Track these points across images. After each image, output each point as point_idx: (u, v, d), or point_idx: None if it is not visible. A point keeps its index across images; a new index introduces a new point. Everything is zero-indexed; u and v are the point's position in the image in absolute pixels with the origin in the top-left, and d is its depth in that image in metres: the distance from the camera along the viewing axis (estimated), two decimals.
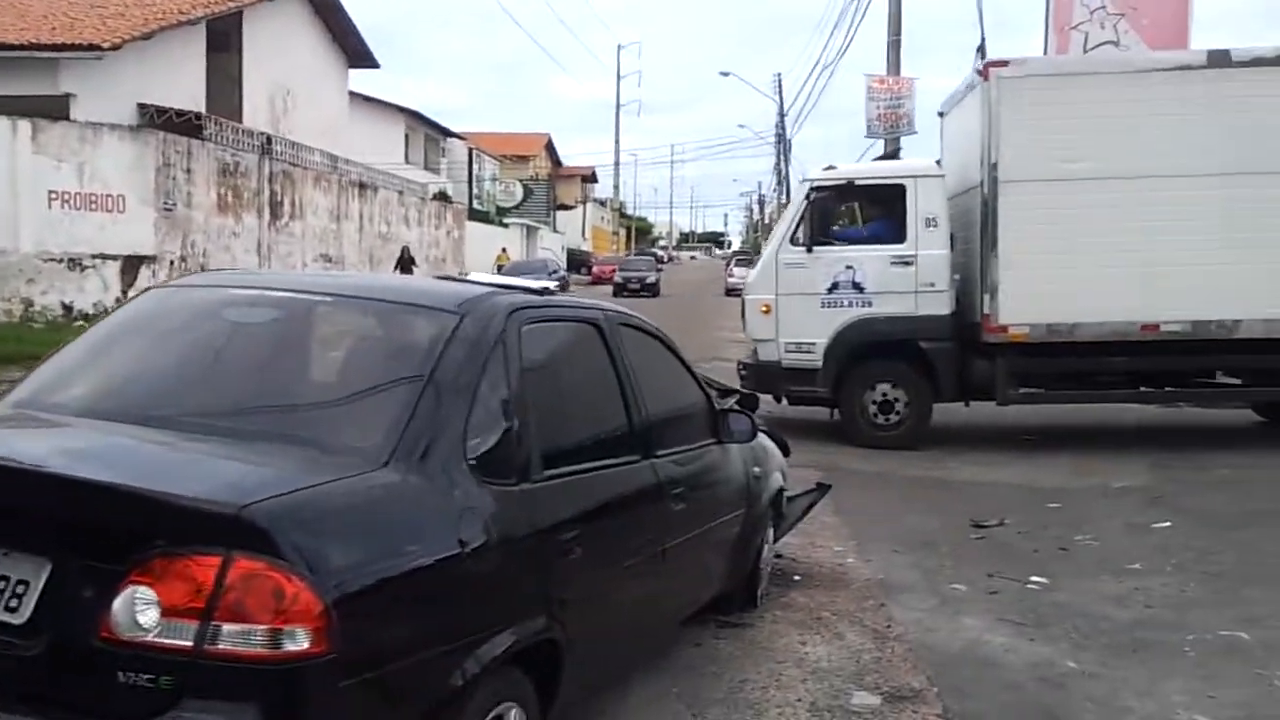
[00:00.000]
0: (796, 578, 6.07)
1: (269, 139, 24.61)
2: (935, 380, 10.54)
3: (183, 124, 21.27)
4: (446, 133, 50.92)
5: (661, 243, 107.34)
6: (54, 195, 18.93)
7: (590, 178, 78.87)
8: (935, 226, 10.52)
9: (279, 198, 24.86)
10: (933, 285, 10.45)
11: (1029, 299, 10.10)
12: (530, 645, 3.00)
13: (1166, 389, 10.94)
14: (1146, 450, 10.30)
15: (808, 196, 10.81)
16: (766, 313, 10.84)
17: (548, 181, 64.34)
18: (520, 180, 59.36)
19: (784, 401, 11.36)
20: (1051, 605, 5.76)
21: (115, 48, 19.80)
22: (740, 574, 5.15)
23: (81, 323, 19.27)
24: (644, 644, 4.26)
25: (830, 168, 11.28)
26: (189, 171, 21.03)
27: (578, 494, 3.32)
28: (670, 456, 4.15)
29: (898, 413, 10.61)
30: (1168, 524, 7.50)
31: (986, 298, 10.23)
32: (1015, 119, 10.12)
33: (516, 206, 57.07)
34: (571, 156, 75.52)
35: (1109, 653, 5.06)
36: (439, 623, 2.65)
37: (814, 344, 10.60)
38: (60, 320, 19.31)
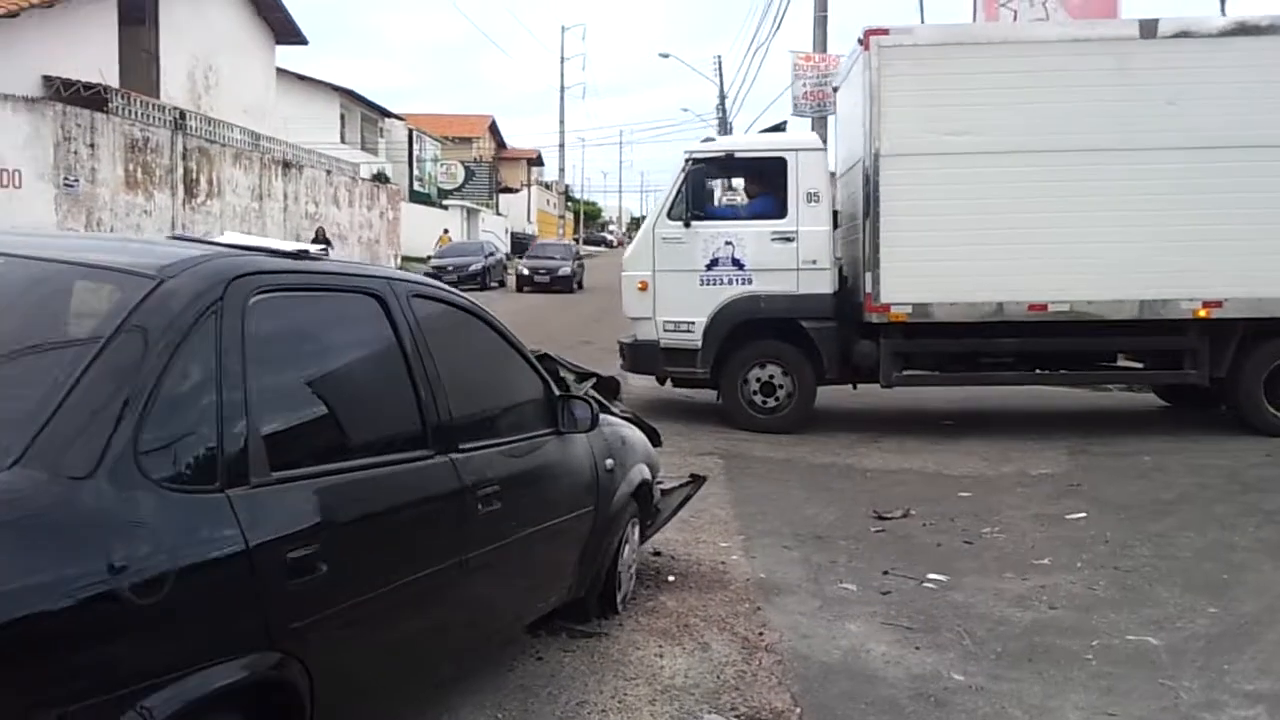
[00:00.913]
0: (670, 578, 5.51)
1: (182, 114, 23.60)
2: (818, 362, 10.10)
3: (89, 97, 20.25)
4: (385, 113, 49.72)
5: (611, 226, 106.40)
6: None
7: (536, 160, 77.76)
8: (817, 202, 10.09)
9: (194, 175, 23.87)
10: (814, 263, 10.03)
11: (911, 277, 9.67)
12: (252, 686, 2.40)
13: (1061, 371, 10.51)
14: (1068, 435, 9.89)
15: (685, 169, 10.26)
16: (643, 290, 10.36)
17: (491, 164, 63.31)
18: (462, 162, 58.43)
19: (668, 384, 10.89)
20: (947, 606, 5.25)
21: (12, 15, 18.77)
22: (592, 579, 4.58)
23: None
24: (445, 668, 3.65)
25: (709, 139, 10.81)
26: (93, 146, 20.02)
27: (322, 499, 2.69)
28: (481, 450, 3.55)
29: (780, 395, 10.16)
30: (1082, 515, 7.04)
31: (868, 276, 9.81)
32: (897, 90, 9.65)
33: (458, 189, 56.12)
34: (517, 139, 74.57)
35: (1002, 662, 4.56)
36: (83, 670, 2.04)
37: (693, 323, 10.15)
38: None
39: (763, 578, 5.57)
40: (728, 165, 10.63)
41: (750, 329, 10.12)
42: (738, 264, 10.09)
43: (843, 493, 7.68)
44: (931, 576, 5.71)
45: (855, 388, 10.68)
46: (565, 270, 33.07)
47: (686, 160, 10.27)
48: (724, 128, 41.06)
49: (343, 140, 43.08)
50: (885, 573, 5.75)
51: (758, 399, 10.17)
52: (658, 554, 5.88)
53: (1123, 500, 7.43)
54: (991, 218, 9.51)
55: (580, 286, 33.71)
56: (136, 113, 21.78)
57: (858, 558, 6.02)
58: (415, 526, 3.17)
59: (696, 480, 5.94)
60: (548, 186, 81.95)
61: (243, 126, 26.96)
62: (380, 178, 42.62)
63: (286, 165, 29.23)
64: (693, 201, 10.18)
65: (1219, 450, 9.12)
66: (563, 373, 5.26)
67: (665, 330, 10.26)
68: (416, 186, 50.81)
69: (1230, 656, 4.63)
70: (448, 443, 3.35)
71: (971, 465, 8.68)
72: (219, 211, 25.13)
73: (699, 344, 10.10)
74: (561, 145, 68.70)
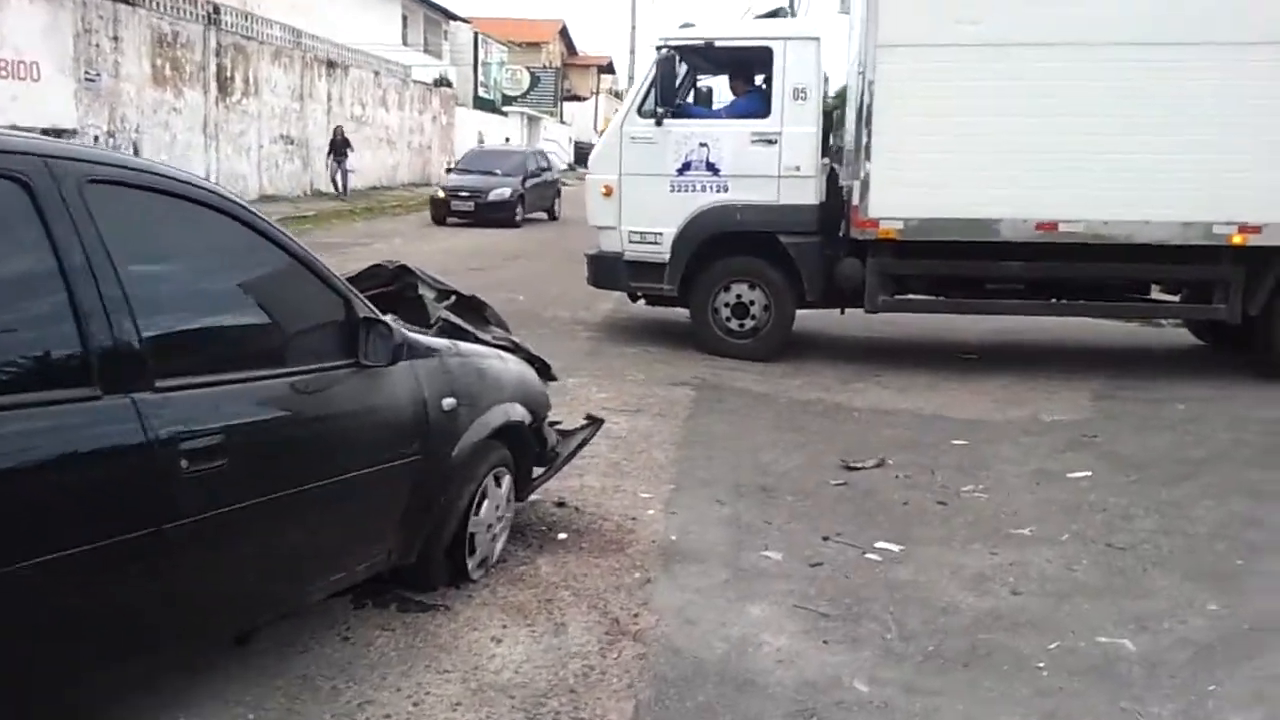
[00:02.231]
0: (561, 536, 4.67)
1: (216, 8, 22.82)
2: (797, 282, 8.95)
3: None
4: (450, 15, 48.53)
5: None
6: None
7: (607, 68, 75.69)
8: (804, 99, 8.77)
9: (229, 73, 23.14)
10: (798, 169, 8.78)
11: (904, 188, 8.38)
12: None
13: (1079, 302, 9.02)
14: (1098, 375, 8.76)
15: (659, 59, 8.96)
16: (608, 195, 9.22)
17: (559, 70, 61.84)
18: (529, 68, 57.13)
19: (641, 301, 9.91)
20: (884, 586, 4.35)
21: None
22: (427, 540, 3.77)
23: None
24: (172, 654, 2.86)
25: (688, 24, 9.60)
26: (116, 39, 19.36)
27: None
28: (198, 389, 2.71)
29: (753, 317, 9.08)
30: (1086, 474, 6.02)
31: (856, 185, 8.54)
32: None
33: (523, 95, 54.96)
34: (590, 44, 72.63)
35: (928, 667, 3.68)
36: None
37: (660, 234, 9.03)
38: None
39: (672, 540, 4.71)
40: (707, 55, 9.39)
41: (724, 243, 9.00)
42: (712, 168, 8.92)
43: (816, 435, 6.73)
44: (880, 545, 4.80)
45: (843, 313, 9.59)
46: (500, 193, 22.49)
47: (660, 48, 8.99)
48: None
49: (404, 42, 42.09)
50: (825, 539, 4.85)
51: (729, 321, 9.13)
52: (561, 504, 5.05)
53: (1141, 458, 6.37)
54: (1000, 121, 8.19)
55: (553, 217, 25.72)
56: (166, 5, 21.02)
57: (799, 518, 5.12)
58: (55, 489, 2.36)
59: (594, 422, 5.06)
60: (618, 95, 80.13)
61: (284, 23, 26.11)
62: (442, 82, 41.70)
63: (331, 65, 28.38)
64: (665, 96, 8.92)
65: (1268, 400, 7.94)
66: (421, 290, 4.38)
67: (631, 241, 9.18)
68: (480, 92, 49.78)
69: (1221, 673, 3.68)
70: (129, 379, 2.51)
71: (978, 407, 7.65)
72: (256, 112, 24.44)
73: (667, 258, 9.03)
74: (632, 51, 66.80)
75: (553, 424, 4.80)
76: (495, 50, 53.76)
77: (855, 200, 8.54)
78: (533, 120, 53.43)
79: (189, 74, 21.66)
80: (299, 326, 3.16)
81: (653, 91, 8.99)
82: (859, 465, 6.02)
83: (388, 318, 3.86)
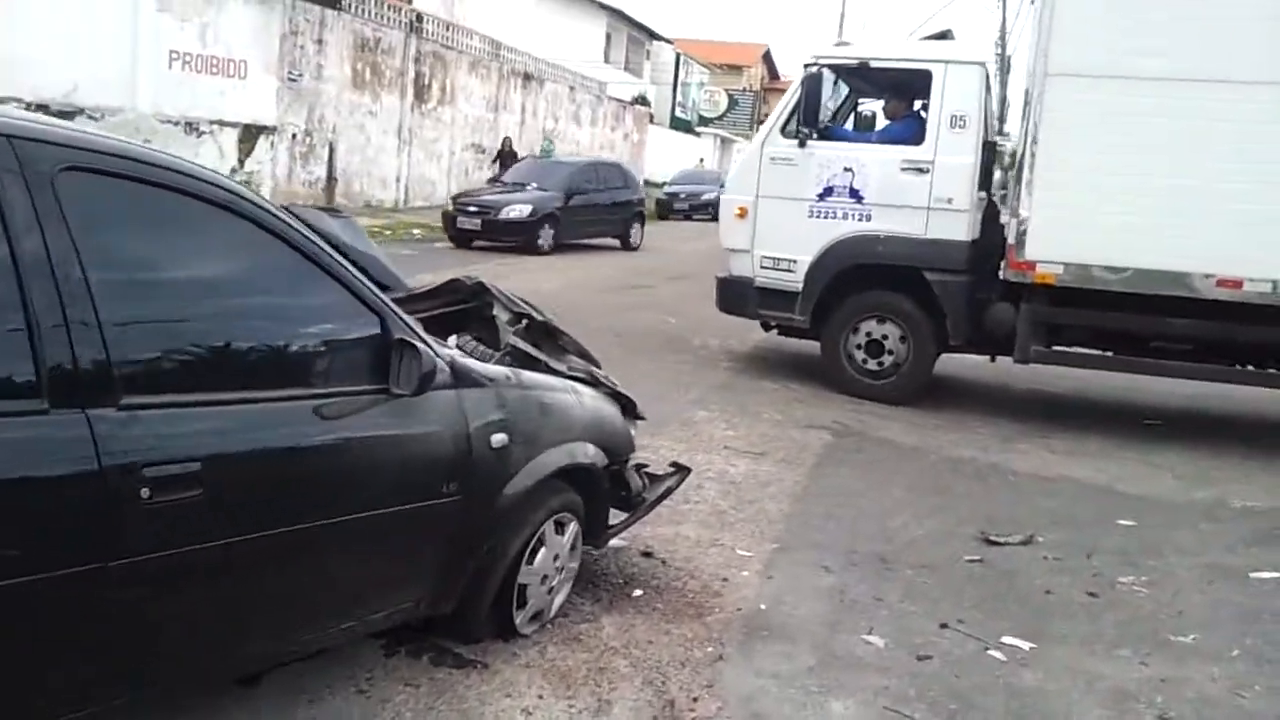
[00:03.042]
0: (637, 593, 4.20)
1: (419, 16, 23.49)
2: (941, 323, 8.20)
3: None
4: (653, 35, 48.98)
5: None
6: (174, 55, 18.33)
7: None
8: (963, 128, 8.02)
9: (426, 80, 23.78)
10: (949, 202, 8.00)
11: (1066, 229, 7.54)
12: None
13: (1269, 371, 7.90)
14: None
15: (807, 77, 8.37)
16: (741, 217, 8.67)
17: (758, 93, 61.49)
18: (728, 90, 57.09)
19: (774, 331, 9.31)
20: (1002, 692, 3.70)
21: None
22: (468, 589, 3.37)
23: None
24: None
25: (842, 43, 9.02)
26: (320, 42, 20.14)
27: None
28: (176, 409, 2.40)
29: (890, 353, 8.42)
30: (1275, 575, 5.13)
31: (1013, 223, 7.74)
32: None
33: (720, 116, 54.97)
34: (793, 69, 71.82)
35: None
36: None
37: (795, 261, 8.45)
38: None
39: (760, 610, 4.16)
40: (860, 75, 8.80)
41: (862, 275, 8.36)
42: (856, 195, 8.28)
43: (960, 500, 6.02)
44: (1007, 640, 4.12)
45: (994, 360, 8.72)
46: (517, 211, 17.98)
47: (808, 66, 8.39)
48: (1004, 68, 37.13)
49: (606, 60, 42.70)
50: (943, 626, 4.21)
51: (864, 360, 8.49)
52: (647, 554, 4.59)
53: None
54: (1181, 163, 7.26)
55: (628, 246, 20.80)
56: (370, 12, 21.74)
57: (917, 597, 4.48)
58: None
59: (680, 470, 4.55)
60: None
61: (484, 34, 26.69)
62: (640, 100, 41.99)
63: (527, 77, 28.87)
64: (811, 116, 8.29)
65: None
66: (496, 310, 3.99)
67: (763, 266, 8.62)
68: (678, 112, 50.04)
69: None
70: (86, 393, 2.21)
71: (1155, 483, 6.75)
72: (450, 119, 25.03)
73: (800, 286, 8.44)
74: None
75: (639, 467, 4.35)
76: (696, 71, 53.99)
77: (1011, 238, 7.78)
78: (726, 142, 53.16)
79: (388, 79, 22.32)
80: (313, 344, 2.81)
81: (797, 111, 8.43)
82: (1002, 540, 5.31)
83: (449, 341, 3.53)
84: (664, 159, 41.10)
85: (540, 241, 18.08)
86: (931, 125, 8.15)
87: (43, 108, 17.16)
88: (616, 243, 20.65)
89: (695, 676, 3.56)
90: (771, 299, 8.65)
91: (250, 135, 19.27)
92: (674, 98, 49.88)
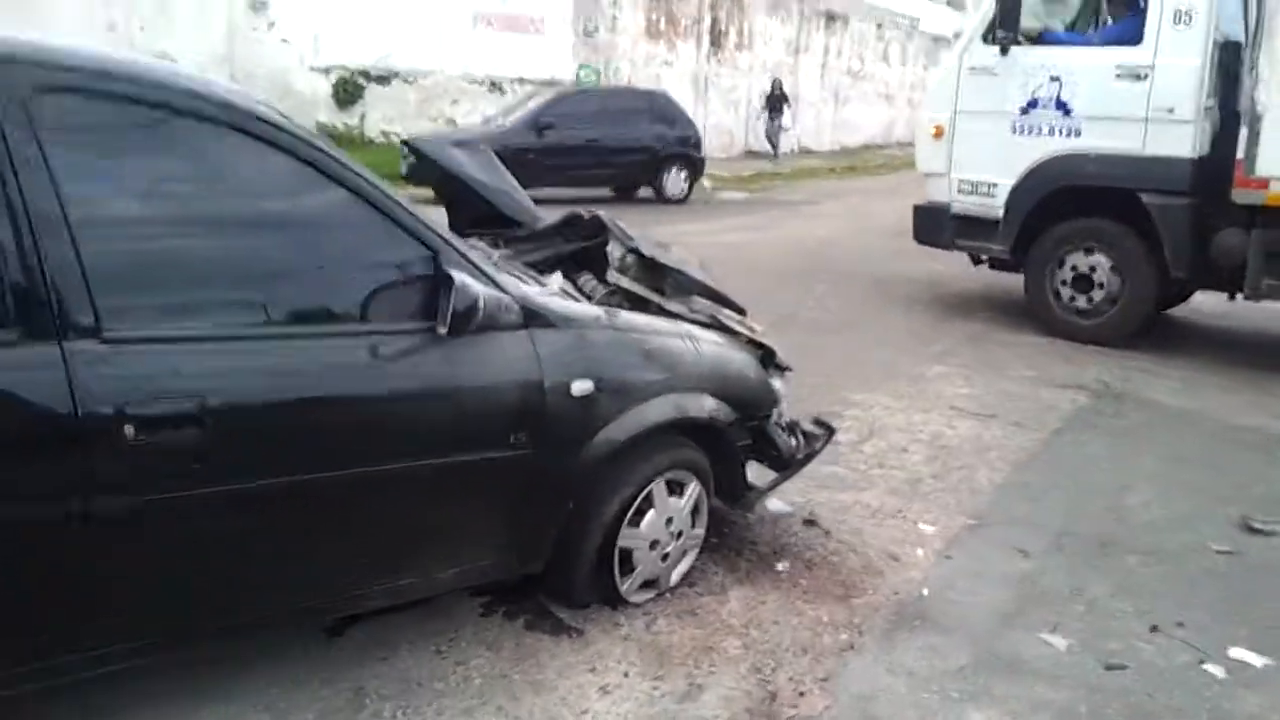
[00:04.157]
0: (781, 566, 3.75)
1: None
2: (1160, 253, 7.15)
3: None
4: None
5: None
6: (478, 17, 19.11)
7: None
8: (1187, 25, 6.84)
9: (722, 25, 23.50)
10: (1171, 111, 6.90)
11: None
12: None
13: None
14: None
15: None
16: (938, 137, 7.90)
17: None
18: None
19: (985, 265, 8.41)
20: (1209, 713, 2.99)
21: None
22: (555, 553, 3.10)
23: None
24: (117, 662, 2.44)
25: None
26: None
27: None
28: (171, 344, 2.27)
29: (1101, 291, 7.46)
30: None
31: (1243, 134, 6.59)
32: None
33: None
34: None
35: None
36: None
37: (996, 184, 7.65)
38: None
39: (921, 596, 3.61)
40: None
41: (1072, 199, 7.42)
42: (1063, 107, 7.33)
43: (1225, 476, 5.04)
44: (1234, 653, 3.36)
45: (1233, 298, 7.48)
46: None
47: None
48: None
49: None
50: (1154, 629, 3.48)
51: (1073, 299, 7.59)
52: (810, 523, 4.11)
53: None
54: None
55: (662, 196, 16.29)
56: None
57: (1131, 592, 3.75)
58: None
59: (825, 430, 3.98)
60: None
61: None
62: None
63: (830, 17, 27.91)
64: (1014, 19, 7.36)
65: None
66: (611, 246, 3.62)
67: (960, 191, 7.85)
68: None
69: None
70: (63, 323, 2.11)
71: None
72: (748, 65, 24.66)
73: (1001, 213, 7.62)
74: None
75: (794, 425, 3.88)
76: None
77: (1240, 153, 6.63)
78: None
79: (683, 27, 22.24)
80: (341, 277, 2.59)
81: (999, 15, 7.46)
82: (1268, 528, 4.38)
83: (551, 279, 3.23)
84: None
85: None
86: (1151, 22, 7.00)
87: (363, 74, 18.46)
88: (650, 192, 16.41)
89: (814, 666, 3.10)
90: (970, 227, 7.93)
91: (549, 89, 19.78)
92: None
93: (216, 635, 2.59)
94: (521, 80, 19.51)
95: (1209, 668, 3.27)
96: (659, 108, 16.72)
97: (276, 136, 2.45)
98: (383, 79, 19.41)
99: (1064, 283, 7.63)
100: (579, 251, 3.72)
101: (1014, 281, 8.48)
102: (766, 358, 3.72)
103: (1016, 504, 4.49)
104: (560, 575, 3.21)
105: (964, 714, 2.92)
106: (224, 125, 2.38)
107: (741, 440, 3.62)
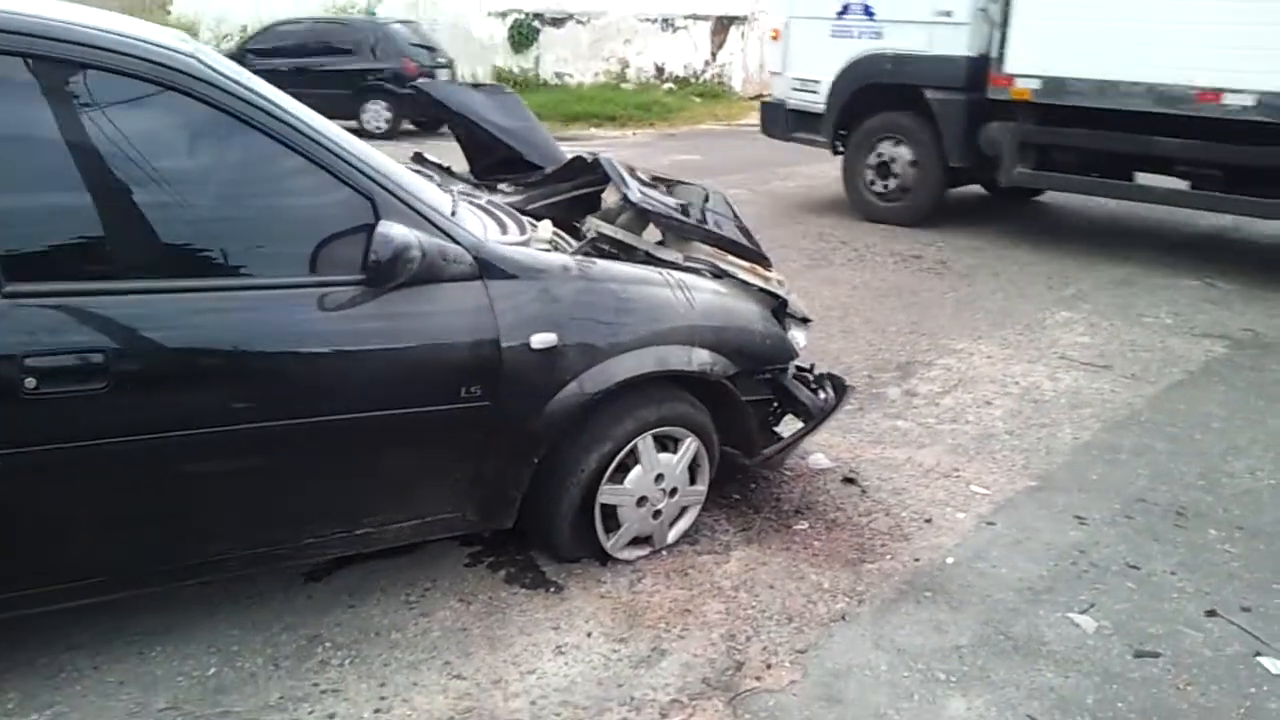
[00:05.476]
0: (801, 525, 3.54)
1: None
2: (940, 142, 8.11)
3: None
4: None
5: None
6: None
7: None
8: None
9: None
10: (949, 14, 7.82)
11: (1044, 42, 7.38)
12: None
13: (1258, 197, 6.81)
14: None
15: None
16: (775, 39, 9.20)
17: None
18: None
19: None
20: (1244, 713, 2.64)
21: None
22: (532, 509, 3.02)
23: (669, 85, 19.46)
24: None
25: None
26: None
27: None
28: (76, 297, 2.29)
29: (895, 179, 8.52)
30: None
31: (996, 36, 7.59)
32: None
33: None
34: None
35: None
36: None
37: (819, 82, 8.73)
38: (651, 81, 19.65)
39: (946, 564, 3.33)
40: None
41: (878, 94, 8.34)
42: (868, 12, 8.33)
43: None
44: None
45: (990, 187, 8.68)
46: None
47: None
48: None
49: None
50: (1210, 613, 3.11)
51: (874, 183, 8.66)
52: (850, 480, 3.87)
53: None
54: None
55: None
56: None
57: (1198, 570, 3.35)
58: None
59: (838, 387, 3.67)
60: None
61: None
62: None
63: None
64: None
65: None
66: (608, 192, 3.43)
67: (793, 89, 9.01)
68: None
69: None
70: None
71: None
72: None
73: (823, 108, 8.70)
74: None
75: (826, 377, 3.65)
76: None
77: (993, 53, 7.64)
78: None
79: None
80: (267, 229, 2.55)
81: None
82: None
83: (540, 226, 3.12)
84: None
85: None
86: None
87: (538, 16, 18.58)
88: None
89: (795, 637, 2.91)
90: (803, 121, 8.95)
91: (722, 27, 19.40)
92: None
93: (164, 579, 2.63)
94: (695, 17, 19.21)
95: (1264, 660, 2.89)
96: (370, 42, 15.48)
97: (192, 86, 2.41)
98: (557, 21, 19.50)
99: (872, 169, 8.60)
100: (587, 195, 3.57)
101: (1174, 219, 7.77)
102: (778, 308, 3.48)
103: (1093, 466, 4.08)
104: (541, 530, 3.13)
105: (945, 700, 2.67)
106: (136, 77, 2.36)
107: (756, 394, 3.43)
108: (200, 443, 2.43)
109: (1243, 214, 7.47)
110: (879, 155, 8.53)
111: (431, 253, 2.59)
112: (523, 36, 19.62)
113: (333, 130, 2.67)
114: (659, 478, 3.19)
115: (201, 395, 2.43)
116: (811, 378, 3.63)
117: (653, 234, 3.53)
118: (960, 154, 8.08)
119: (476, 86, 4.10)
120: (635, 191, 3.37)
